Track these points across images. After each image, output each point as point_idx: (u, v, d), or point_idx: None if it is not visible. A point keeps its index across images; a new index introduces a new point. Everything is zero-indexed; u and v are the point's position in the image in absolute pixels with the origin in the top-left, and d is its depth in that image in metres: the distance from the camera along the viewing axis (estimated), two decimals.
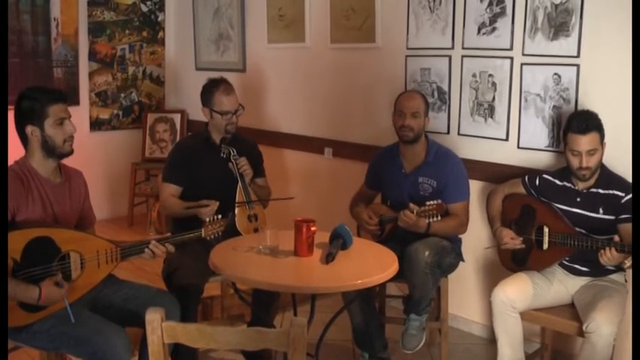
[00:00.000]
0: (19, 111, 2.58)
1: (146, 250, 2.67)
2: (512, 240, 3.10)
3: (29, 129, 2.56)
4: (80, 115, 5.47)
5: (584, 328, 2.76)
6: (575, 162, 2.93)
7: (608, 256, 2.72)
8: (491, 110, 3.62)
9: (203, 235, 2.84)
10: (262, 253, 2.72)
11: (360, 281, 2.49)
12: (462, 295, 3.78)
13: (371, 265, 2.71)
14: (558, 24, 3.29)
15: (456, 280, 3.49)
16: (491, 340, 3.62)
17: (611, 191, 2.93)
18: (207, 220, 2.88)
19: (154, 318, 1.61)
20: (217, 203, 3.13)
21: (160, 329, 1.60)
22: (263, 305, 3.15)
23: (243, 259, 2.71)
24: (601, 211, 2.93)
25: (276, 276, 2.54)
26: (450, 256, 3.25)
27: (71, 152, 2.64)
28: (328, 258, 2.60)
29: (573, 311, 2.98)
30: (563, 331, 3.03)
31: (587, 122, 2.90)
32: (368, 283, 2.52)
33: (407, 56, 3.98)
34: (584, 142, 2.89)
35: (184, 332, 1.63)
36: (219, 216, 2.92)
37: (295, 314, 2.86)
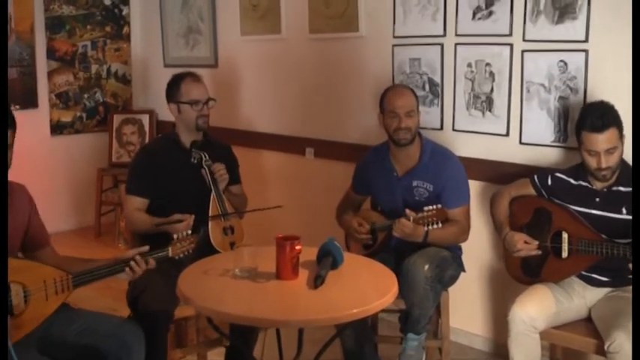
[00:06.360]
0: None
1: (127, 269, 2.42)
2: (526, 245, 2.82)
3: None
4: (39, 118, 5.27)
5: (605, 347, 2.49)
6: (592, 162, 2.67)
7: None
8: (489, 103, 3.39)
9: (170, 255, 2.54)
10: (239, 277, 2.38)
11: (356, 310, 2.15)
12: (462, 307, 3.53)
13: (367, 288, 2.40)
14: (563, 5, 3.05)
15: (456, 291, 3.24)
16: (495, 354, 3.50)
17: None
18: (175, 237, 2.58)
19: None
20: (192, 217, 2.86)
21: None
22: (242, 336, 2.82)
23: (216, 287, 2.37)
24: (624, 211, 2.67)
25: (256, 307, 2.20)
26: (451, 267, 2.98)
27: None
28: (317, 281, 2.27)
29: (590, 326, 2.71)
30: (580, 349, 2.76)
31: (602, 118, 2.63)
32: (365, 312, 2.17)
33: (394, 45, 3.74)
34: (601, 140, 2.63)
35: None
36: (189, 232, 2.63)
37: (280, 347, 2.51)
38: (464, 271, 3.14)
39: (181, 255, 2.57)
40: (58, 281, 2.28)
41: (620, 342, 2.43)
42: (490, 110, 3.38)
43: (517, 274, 2.94)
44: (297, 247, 2.32)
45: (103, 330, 2.37)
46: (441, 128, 3.58)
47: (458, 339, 3.61)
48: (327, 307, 2.19)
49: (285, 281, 2.35)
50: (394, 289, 2.34)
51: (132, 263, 2.40)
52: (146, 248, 2.49)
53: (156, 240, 2.79)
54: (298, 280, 2.35)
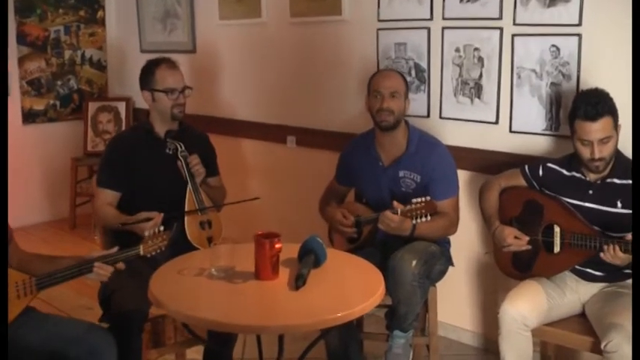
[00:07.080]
0: None
1: (94, 270, 2.29)
2: (516, 240, 2.71)
3: None
4: (10, 106, 5.08)
5: (602, 346, 2.39)
6: (585, 153, 2.56)
7: (612, 254, 2.44)
8: (478, 89, 3.27)
9: (142, 253, 2.40)
10: (216, 277, 2.24)
11: (340, 314, 2.00)
12: (451, 302, 3.42)
13: (352, 288, 2.25)
14: None
15: (445, 285, 3.14)
16: (484, 350, 3.42)
17: (629, 181, 2.55)
18: (147, 234, 2.44)
19: None
20: (161, 215, 2.71)
21: None
22: (220, 336, 2.68)
23: (191, 289, 2.22)
24: (619, 204, 2.55)
25: (233, 312, 2.05)
26: (439, 262, 2.86)
27: None
28: (298, 282, 2.13)
29: (584, 322, 2.61)
30: (574, 347, 2.67)
31: (597, 106, 2.51)
32: (350, 316, 2.03)
33: (379, 29, 3.62)
34: (594, 130, 2.51)
35: None
36: (162, 228, 2.49)
37: (260, 349, 2.37)
38: (452, 265, 3.03)
39: (153, 253, 2.44)
40: (20, 284, 2.14)
41: (618, 342, 2.33)
42: (479, 97, 3.27)
43: (508, 269, 2.83)
44: (277, 246, 2.18)
45: (71, 335, 2.25)
46: (428, 116, 3.47)
47: (446, 334, 3.53)
48: (309, 311, 2.05)
49: (265, 282, 2.21)
50: (380, 289, 2.19)
51: (95, 269, 2.28)
52: (115, 250, 2.36)
53: (127, 236, 2.68)
54: (278, 281, 2.22)
